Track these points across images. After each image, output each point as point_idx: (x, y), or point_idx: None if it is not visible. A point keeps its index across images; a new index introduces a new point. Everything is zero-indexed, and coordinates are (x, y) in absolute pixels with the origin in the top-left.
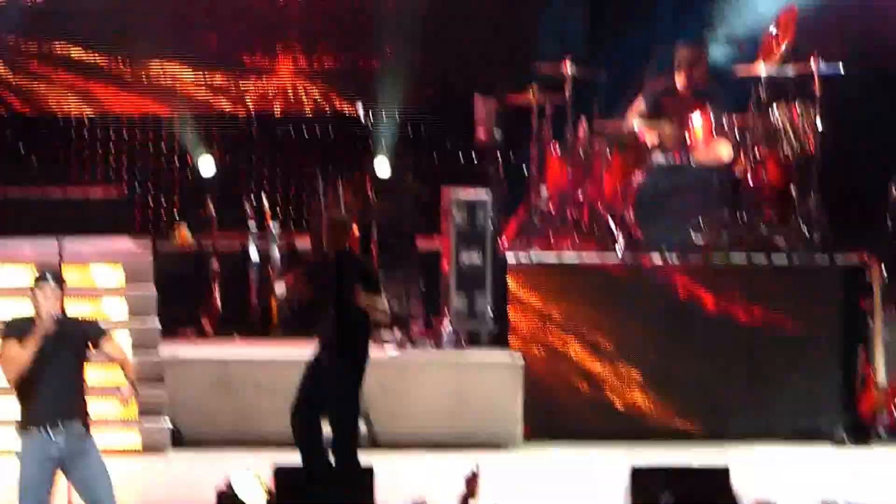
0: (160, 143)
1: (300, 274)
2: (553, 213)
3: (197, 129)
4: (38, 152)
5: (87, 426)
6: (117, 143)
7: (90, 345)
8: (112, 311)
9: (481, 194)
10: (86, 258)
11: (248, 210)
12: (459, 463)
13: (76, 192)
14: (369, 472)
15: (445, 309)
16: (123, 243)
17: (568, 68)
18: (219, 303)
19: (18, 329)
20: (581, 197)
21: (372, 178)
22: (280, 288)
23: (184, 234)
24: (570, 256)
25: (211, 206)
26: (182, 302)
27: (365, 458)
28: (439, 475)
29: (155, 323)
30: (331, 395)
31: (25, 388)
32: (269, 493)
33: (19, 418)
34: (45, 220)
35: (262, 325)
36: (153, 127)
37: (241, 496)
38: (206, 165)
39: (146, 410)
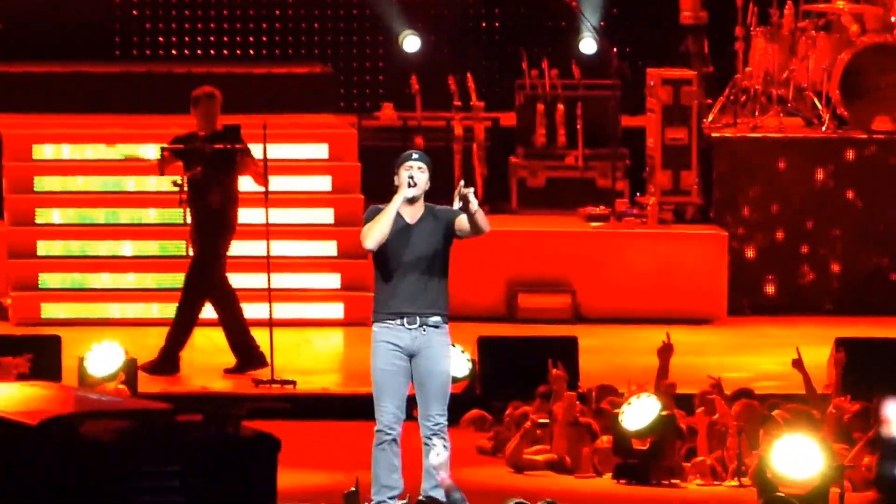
0: (365, 20)
1: None
2: (758, 92)
3: (402, 6)
4: (242, 29)
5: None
6: (322, 20)
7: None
8: (317, 187)
9: (687, 73)
10: (290, 135)
11: (453, 88)
12: (661, 337)
13: (280, 69)
14: None
15: (650, 185)
16: (328, 120)
17: None
18: None
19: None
20: (786, 76)
21: (577, 58)
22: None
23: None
24: (774, 134)
25: (416, 83)
26: (387, 178)
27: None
28: (642, 349)
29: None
30: None
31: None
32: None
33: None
34: (250, 97)
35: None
36: (357, 4)
37: None
38: (412, 43)
39: None
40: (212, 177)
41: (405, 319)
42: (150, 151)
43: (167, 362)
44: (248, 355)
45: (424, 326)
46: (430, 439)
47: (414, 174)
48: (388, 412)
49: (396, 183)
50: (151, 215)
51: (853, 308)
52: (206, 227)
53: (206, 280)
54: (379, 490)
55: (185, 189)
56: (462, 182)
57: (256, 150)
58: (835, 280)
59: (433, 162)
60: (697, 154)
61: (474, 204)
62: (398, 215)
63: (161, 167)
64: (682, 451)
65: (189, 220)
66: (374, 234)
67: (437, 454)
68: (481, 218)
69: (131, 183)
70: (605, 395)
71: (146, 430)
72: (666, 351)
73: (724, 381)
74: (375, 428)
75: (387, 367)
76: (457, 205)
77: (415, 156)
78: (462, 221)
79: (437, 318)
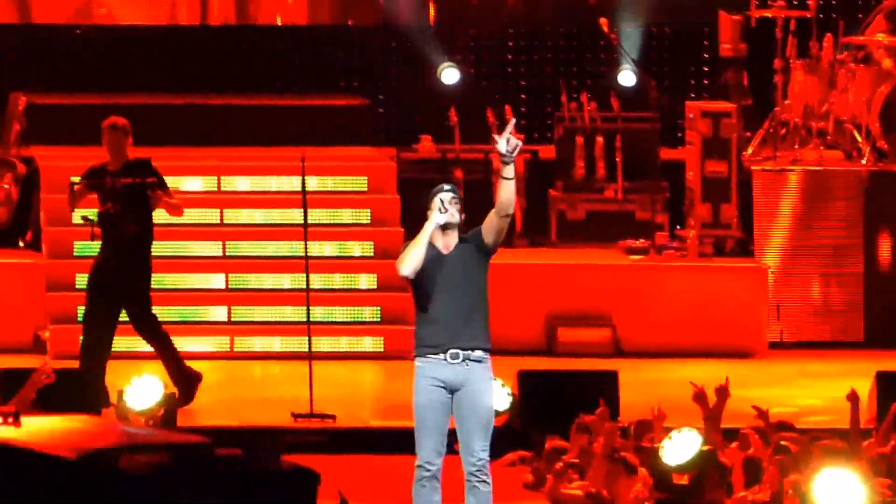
0: (404, 53)
1: None
2: (798, 124)
3: (441, 39)
4: (281, 61)
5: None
6: (361, 52)
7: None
8: (356, 219)
9: (726, 106)
10: (329, 168)
11: (492, 120)
12: (702, 370)
13: (318, 101)
14: None
15: (690, 218)
16: (367, 152)
17: None
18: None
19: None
20: (825, 109)
21: (616, 91)
22: None
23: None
24: (814, 166)
25: (454, 115)
26: (426, 210)
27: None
28: (682, 383)
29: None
30: None
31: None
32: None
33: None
34: (288, 129)
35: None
36: (396, 36)
37: None
38: (450, 75)
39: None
40: (125, 210)
41: (447, 354)
42: (190, 183)
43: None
44: (187, 384)
45: (467, 361)
46: (474, 475)
47: (445, 199)
48: (429, 448)
49: (430, 215)
50: (189, 248)
51: (893, 341)
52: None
53: (131, 314)
54: None
55: (97, 223)
56: (512, 121)
57: (292, 182)
58: (874, 312)
59: (472, 194)
60: (737, 187)
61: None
62: (431, 245)
63: (72, 202)
64: (723, 486)
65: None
66: (409, 259)
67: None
68: (511, 190)
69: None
70: (644, 430)
71: (185, 464)
72: (723, 393)
73: (770, 416)
74: (416, 463)
75: (428, 402)
76: (503, 145)
77: (446, 187)
78: (486, 221)
79: (479, 353)
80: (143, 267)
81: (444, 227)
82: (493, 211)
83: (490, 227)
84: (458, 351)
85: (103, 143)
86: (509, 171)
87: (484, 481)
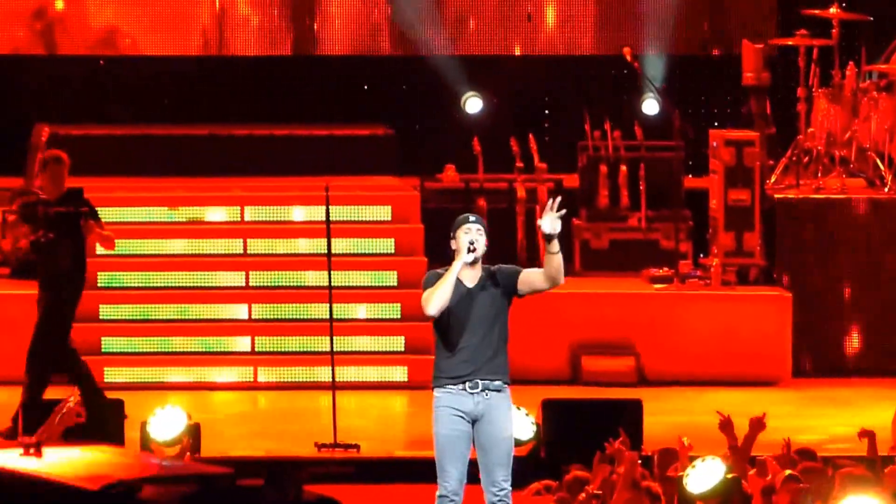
0: (427, 82)
1: None
2: (821, 153)
3: (463, 69)
4: (304, 91)
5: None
6: (383, 82)
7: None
8: (380, 249)
9: (749, 135)
10: (353, 197)
11: (515, 150)
12: (726, 399)
13: (342, 130)
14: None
15: (714, 247)
16: (391, 182)
17: (835, 11)
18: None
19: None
20: (848, 137)
21: (639, 120)
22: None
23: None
24: (837, 195)
25: (478, 144)
26: (449, 240)
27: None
28: (706, 411)
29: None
30: None
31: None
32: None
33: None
34: (312, 158)
35: (528, 261)
36: (418, 66)
37: None
38: (474, 105)
39: None
40: (58, 240)
41: (467, 384)
42: (214, 214)
43: (14, 422)
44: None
45: (487, 391)
46: None
47: (473, 237)
48: (452, 478)
49: (454, 247)
50: (213, 279)
51: None
52: (53, 289)
53: (52, 343)
54: None
55: (30, 252)
56: (557, 199)
57: (316, 212)
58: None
59: (496, 223)
60: (760, 215)
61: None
62: (457, 280)
63: (2, 231)
64: None
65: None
66: (436, 300)
67: None
68: (559, 262)
69: (191, 245)
70: (667, 459)
71: (207, 495)
72: (758, 425)
73: (793, 444)
74: (438, 493)
75: (450, 432)
76: (547, 224)
77: (472, 218)
78: (528, 276)
79: (498, 383)
80: (73, 296)
81: (472, 263)
82: (542, 274)
83: (530, 283)
84: (478, 381)
85: (45, 173)
86: (554, 246)
87: None
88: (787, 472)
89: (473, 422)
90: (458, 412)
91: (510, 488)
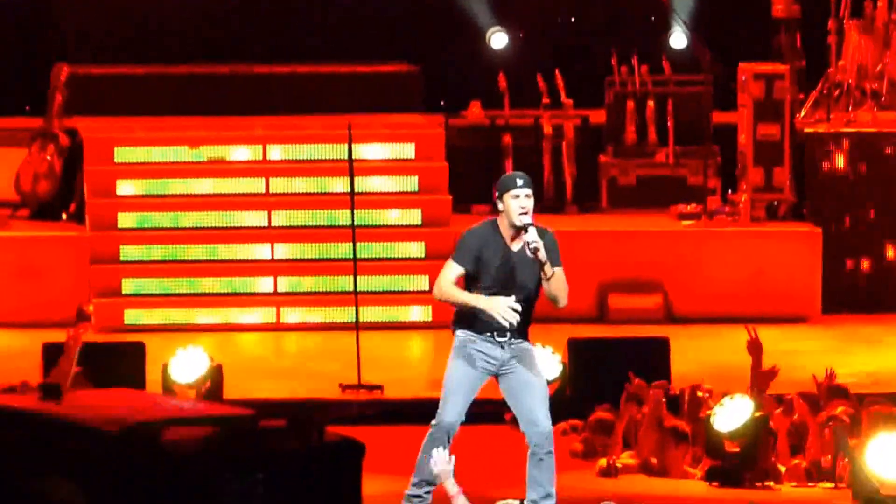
0: (452, 17)
1: None
2: (851, 86)
3: (489, 3)
4: (326, 28)
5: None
6: (408, 18)
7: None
8: (404, 187)
9: (779, 68)
10: (377, 135)
11: (542, 86)
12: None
13: (366, 67)
14: None
15: (742, 182)
16: (415, 119)
17: None
18: None
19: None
20: (879, 69)
21: (667, 54)
22: None
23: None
24: (869, 129)
25: (504, 80)
26: (475, 178)
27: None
28: (735, 349)
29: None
30: None
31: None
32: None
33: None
34: (335, 96)
35: (555, 199)
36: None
37: None
38: (499, 40)
39: None
40: None
41: (495, 334)
42: (235, 153)
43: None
44: None
45: (512, 342)
46: (541, 446)
47: (523, 203)
48: (454, 411)
49: (500, 208)
50: (235, 218)
51: None
52: None
53: None
54: (419, 482)
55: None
56: (533, 242)
57: (341, 150)
58: None
59: (522, 160)
60: (790, 150)
61: (548, 267)
62: (501, 239)
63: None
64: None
65: None
66: (446, 298)
67: (436, 462)
68: (557, 285)
69: (214, 185)
70: (696, 397)
71: (229, 437)
72: (755, 347)
73: (819, 382)
74: (434, 422)
75: (475, 369)
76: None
77: (520, 182)
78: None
79: (526, 344)
80: None
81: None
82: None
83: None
84: (506, 332)
85: None
86: (546, 270)
87: (550, 452)
88: (839, 409)
89: (498, 374)
90: (486, 356)
91: (552, 428)
